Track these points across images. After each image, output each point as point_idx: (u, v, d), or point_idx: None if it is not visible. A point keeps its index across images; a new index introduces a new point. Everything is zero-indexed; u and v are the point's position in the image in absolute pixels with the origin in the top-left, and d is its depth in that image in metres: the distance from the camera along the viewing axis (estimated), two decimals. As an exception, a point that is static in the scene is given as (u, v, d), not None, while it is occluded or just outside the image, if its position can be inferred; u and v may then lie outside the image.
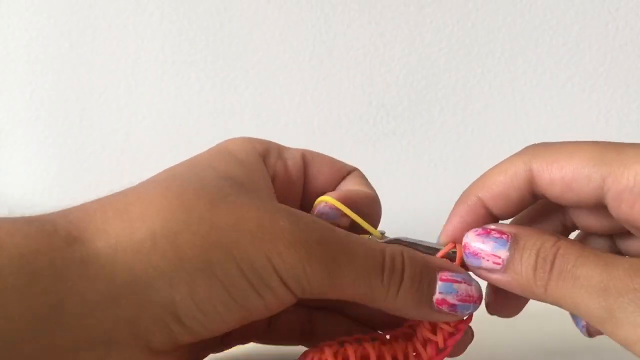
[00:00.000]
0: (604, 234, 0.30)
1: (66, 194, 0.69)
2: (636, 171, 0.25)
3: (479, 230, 0.27)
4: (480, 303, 0.28)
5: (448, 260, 0.28)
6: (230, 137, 0.32)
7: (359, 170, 0.33)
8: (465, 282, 0.27)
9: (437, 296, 0.27)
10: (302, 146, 0.34)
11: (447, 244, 0.29)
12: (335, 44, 0.67)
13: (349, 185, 0.32)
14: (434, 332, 0.28)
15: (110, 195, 0.26)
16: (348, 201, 0.29)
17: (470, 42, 0.67)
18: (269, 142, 0.32)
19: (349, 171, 0.32)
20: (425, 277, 0.27)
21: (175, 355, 0.26)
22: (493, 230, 0.27)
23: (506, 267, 0.26)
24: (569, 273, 0.25)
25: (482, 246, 0.27)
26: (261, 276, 0.24)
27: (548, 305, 0.27)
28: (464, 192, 0.29)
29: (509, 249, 0.26)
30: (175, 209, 0.25)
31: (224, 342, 0.32)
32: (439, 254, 0.28)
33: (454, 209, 0.29)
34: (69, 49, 0.67)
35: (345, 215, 0.29)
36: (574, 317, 0.30)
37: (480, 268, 0.27)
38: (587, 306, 0.25)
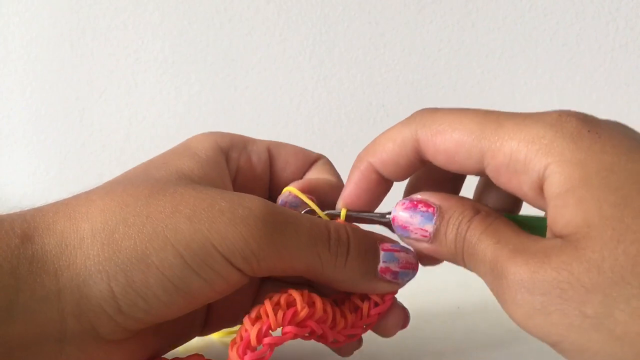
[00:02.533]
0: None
1: (66, 194, 0.69)
2: (511, 148, 0.25)
3: (407, 202, 0.28)
4: (417, 269, 0.30)
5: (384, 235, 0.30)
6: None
7: (326, 157, 0.34)
8: (403, 251, 0.29)
9: (381, 265, 0.28)
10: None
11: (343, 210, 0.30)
12: (335, 44, 0.67)
13: (314, 174, 0.33)
14: (362, 300, 0.30)
15: (67, 197, 0.27)
16: (309, 189, 0.31)
17: (470, 42, 0.67)
18: (234, 136, 0.32)
19: (315, 159, 0.33)
20: (370, 248, 0.29)
21: (136, 341, 0.27)
22: (419, 202, 0.28)
23: (433, 239, 0.27)
24: (473, 249, 0.26)
25: (409, 220, 0.28)
26: (201, 258, 0.25)
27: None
28: (357, 157, 0.30)
29: (435, 223, 0.27)
30: (114, 207, 0.25)
31: (207, 325, 0.32)
32: (339, 220, 0.30)
33: (349, 175, 0.30)
34: (69, 49, 0.67)
35: (304, 203, 0.30)
36: None
37: (409, 239, 0.28)
38: (486, 281, 0.26)
